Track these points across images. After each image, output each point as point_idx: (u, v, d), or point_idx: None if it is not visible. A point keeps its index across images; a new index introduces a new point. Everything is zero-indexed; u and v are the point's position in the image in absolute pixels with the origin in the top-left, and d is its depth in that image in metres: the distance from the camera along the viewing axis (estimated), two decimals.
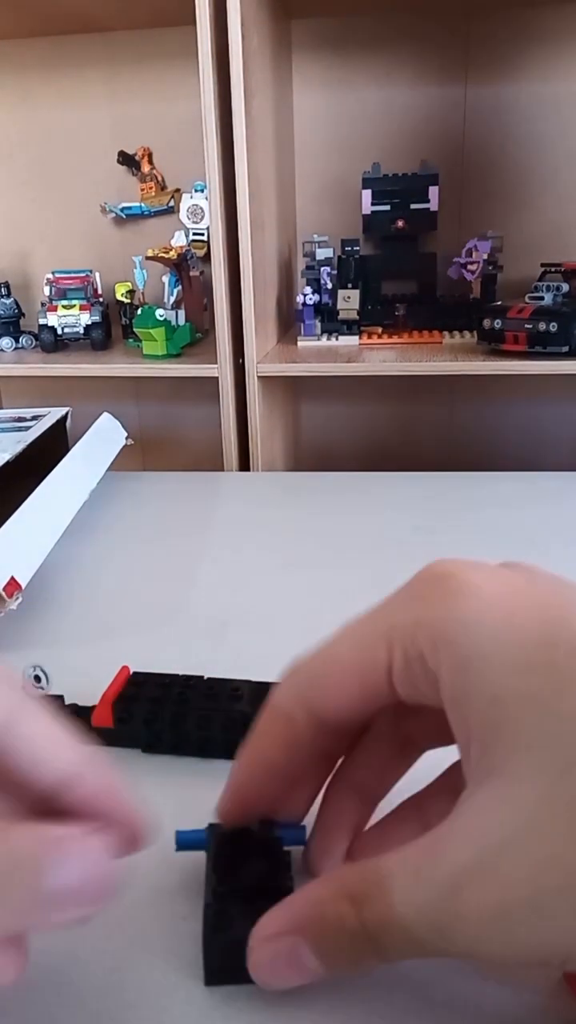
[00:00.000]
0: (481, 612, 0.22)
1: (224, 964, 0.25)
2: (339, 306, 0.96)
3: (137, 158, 1.14)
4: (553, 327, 0.81)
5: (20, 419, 0.79)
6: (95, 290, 1.06)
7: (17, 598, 0.47)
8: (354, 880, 0.22)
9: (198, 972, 0.26)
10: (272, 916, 0.23)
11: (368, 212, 1.00)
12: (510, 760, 0.20)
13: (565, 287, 0.89)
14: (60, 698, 0.40)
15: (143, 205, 1.15)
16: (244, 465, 0.92)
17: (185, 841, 0.28)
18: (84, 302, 1.03)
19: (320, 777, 0.28)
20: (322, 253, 0.98)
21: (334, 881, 0.23)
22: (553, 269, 0.92)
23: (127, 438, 0.79)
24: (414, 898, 0.21)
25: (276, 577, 0.56)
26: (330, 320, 0.97)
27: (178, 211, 1.11)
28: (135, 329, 0.95)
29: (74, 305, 1.02)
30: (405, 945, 0.21)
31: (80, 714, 0.39)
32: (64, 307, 1.02)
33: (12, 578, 0.47)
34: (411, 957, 0.21)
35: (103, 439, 0.74)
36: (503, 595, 0.22)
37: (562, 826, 0.19)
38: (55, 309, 1.02)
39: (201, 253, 1.05)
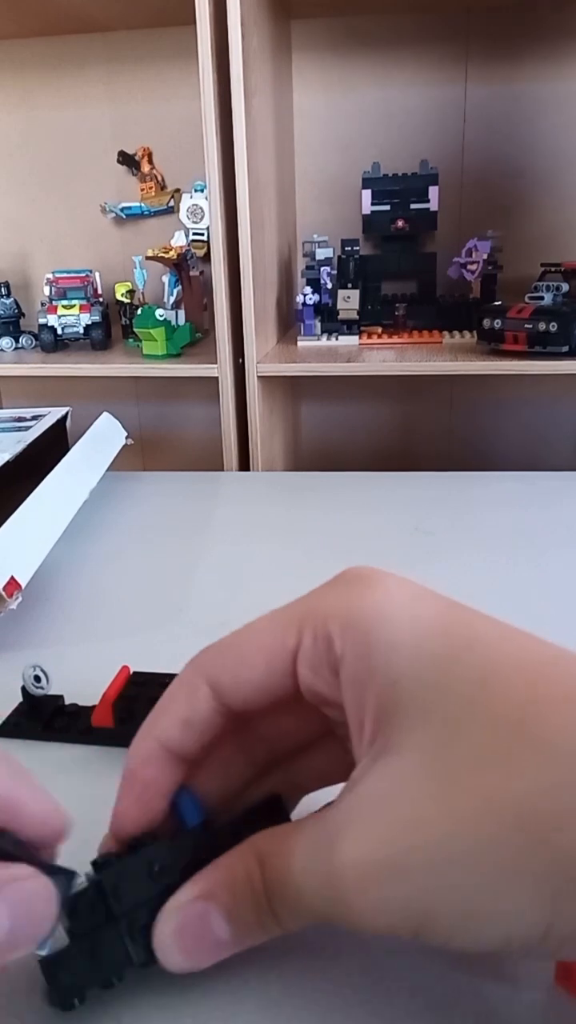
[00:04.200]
0: (391, 606, 0.24)
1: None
2: (339, 306, 0.96)
3: (137, 158, 1.14)
4: (553, 327, 0.81)
5: (20, 419, 0.79)
6: (95, 290, 1.06)
7: (17, 598, 0.47)
8: (264, 841, 0.24)
9: None
10: (183, 889, 0.24)
11: (368, 212, 1.00)
12: (399, 737, 0.22)
13: (565, 287, 0.89)
14: (60, 698, 0.40)
15: (143, 205, 1.15)
16: (244, 465, 0.92)
17: None
18: (84, 302, 1.03)
19: (226, 766, 0.28)
20: (322, 253, 0.98)
21: (248, 843, 0.24)
22: (553, 269, 0.92)
23: (127, 438, 0.79)
24: (304, 857, 0.22)
25: (276, 577, 0.56)
26: (330, 320, 0.97)
27: (178, 211, 1.11)
28: (135, 329, 0.95)
29: (74, 305, 1.02)
30: (297, 908, 0.23)
31: (80, 714, 0.39)
32: (64, 307, 1.02)
33: (12, 578, 0.47)
34: (305, 922, 0.23)
35: (103, 439, 0.74)
36: (413, 596, 0.25)
37: (432, 790, 0.20)
38: (55, 309, 1.02)
39: (201, 253, 1.05)
